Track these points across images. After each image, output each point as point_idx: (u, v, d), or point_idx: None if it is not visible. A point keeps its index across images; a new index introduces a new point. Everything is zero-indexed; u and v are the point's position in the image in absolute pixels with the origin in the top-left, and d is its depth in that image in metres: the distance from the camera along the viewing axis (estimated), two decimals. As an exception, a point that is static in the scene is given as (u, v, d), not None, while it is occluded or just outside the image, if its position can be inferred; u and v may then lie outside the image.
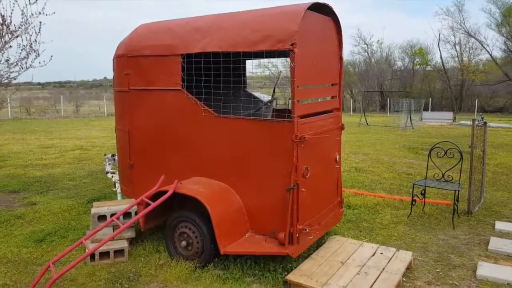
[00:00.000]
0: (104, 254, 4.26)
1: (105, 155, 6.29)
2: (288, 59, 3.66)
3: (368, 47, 42.04)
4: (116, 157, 6.03)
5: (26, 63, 6.89)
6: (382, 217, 5.71)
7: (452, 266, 4.24)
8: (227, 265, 4.10)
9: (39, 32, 6.90)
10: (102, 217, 4.50)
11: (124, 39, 5.03)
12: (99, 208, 4.60)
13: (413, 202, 5.73)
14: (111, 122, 18.75)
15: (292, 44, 3.56)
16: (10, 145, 12.79)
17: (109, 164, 6.07)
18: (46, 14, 6.88)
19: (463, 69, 36.27)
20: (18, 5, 6.63)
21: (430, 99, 32.35)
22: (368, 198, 6.54)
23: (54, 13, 7.01)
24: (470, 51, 37.50)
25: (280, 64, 5.17)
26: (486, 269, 4.07)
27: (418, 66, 40.17)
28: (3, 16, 6.55)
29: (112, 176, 6.10)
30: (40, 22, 6.93)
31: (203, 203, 3.83)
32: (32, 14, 6.78)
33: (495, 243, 4.71)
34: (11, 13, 6.57)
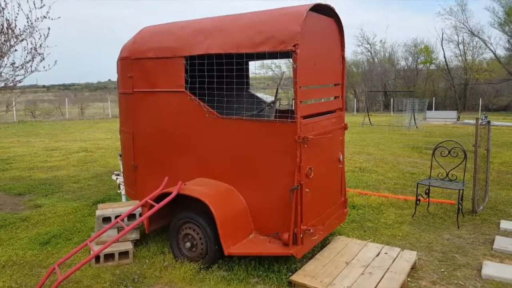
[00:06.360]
0: (109, 256, 4.28)
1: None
2: (291, 60, 3.67)
3: (371, 47, 41.95)
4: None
5: (31, 66, 6.92)
6: (386, 217, 5.71)
7: (457, 266, 4.22)
8: (231, 266, 4.11)
9: (47, 36, 6.94)
10: (106, 219, 4.51)
11: (128, 42, 5.06)
12: (103, 210, 4.61)
13: (418, 202, 5.72)
14: (115, 124, 18.80)
15: (294, 45, 3.57)
16: (15, 147, 12.86)
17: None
18: (52, 19, 6.91)
19: (466, 68, 36.07)
20: (22, 10, 6.65)
21: (433, 98, 32.14)
22: (372, 198, 6.53)
23: (60, 17, 7.04)
24: (474, 50, 37.28)
25: (284, 65, 5.18)
26: (492, 269, 4.04)
27: (422, 65, 39.96)
28: (8, 20, 6.59)
29: (117, 178, 6.13)
30: (49, 28, 6.97)
31: (207, 204, 3.85)
32: (38, 18, 6.82)
33: (501, 242, 4.69)
34: (16, 17, 6.61)
